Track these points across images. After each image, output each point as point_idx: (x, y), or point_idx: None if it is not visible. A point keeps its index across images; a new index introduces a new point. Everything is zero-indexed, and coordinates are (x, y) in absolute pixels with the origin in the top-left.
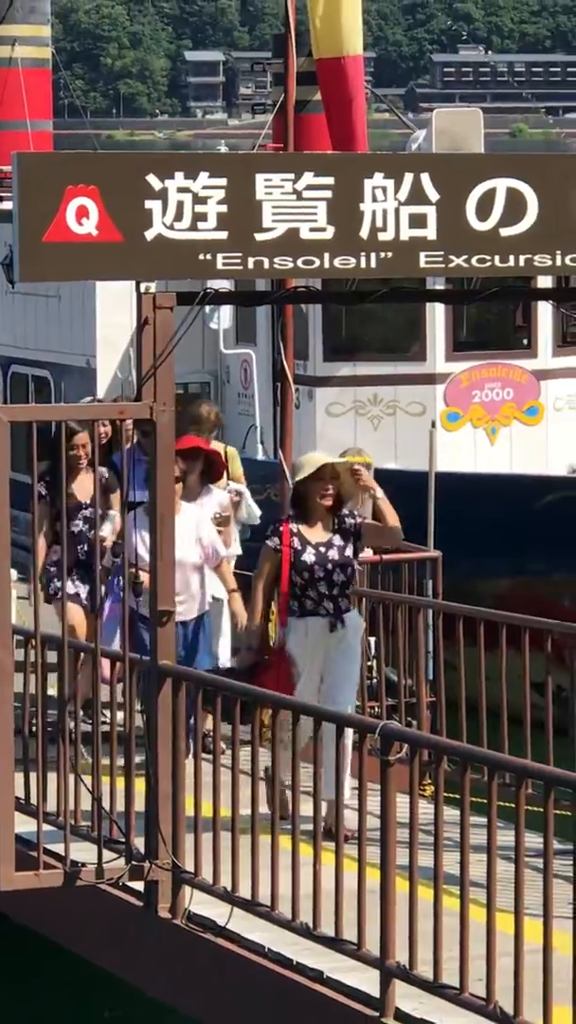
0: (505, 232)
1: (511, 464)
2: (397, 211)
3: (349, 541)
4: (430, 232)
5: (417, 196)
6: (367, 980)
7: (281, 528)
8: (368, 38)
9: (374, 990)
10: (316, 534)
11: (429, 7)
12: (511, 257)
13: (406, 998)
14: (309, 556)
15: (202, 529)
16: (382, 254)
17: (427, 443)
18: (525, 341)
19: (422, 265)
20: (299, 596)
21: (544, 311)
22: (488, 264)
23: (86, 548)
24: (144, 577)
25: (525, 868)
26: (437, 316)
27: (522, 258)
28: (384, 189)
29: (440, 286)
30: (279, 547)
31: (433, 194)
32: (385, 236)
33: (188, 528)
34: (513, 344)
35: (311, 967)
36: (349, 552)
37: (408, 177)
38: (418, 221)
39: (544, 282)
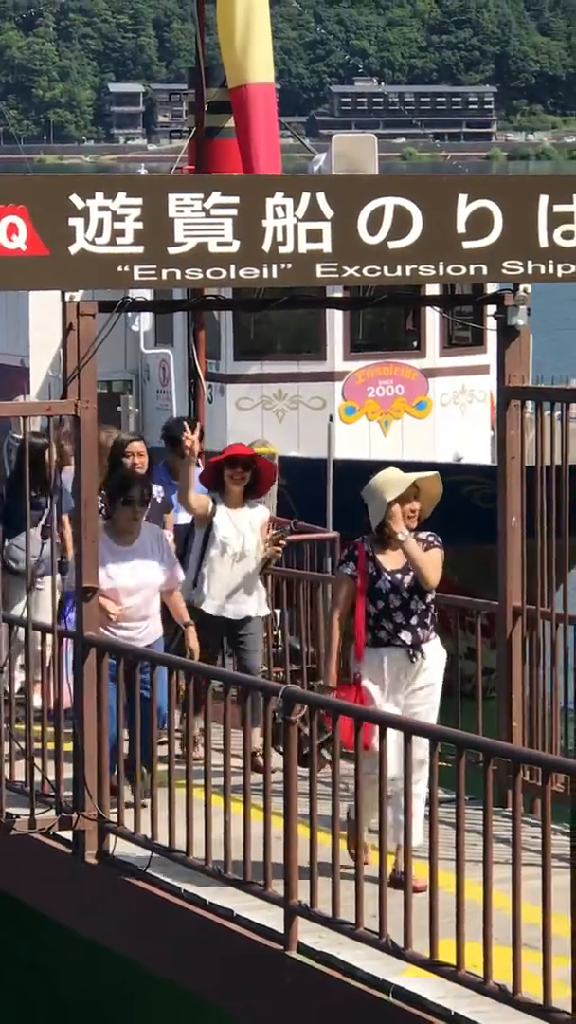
0: (393, 245)
1: (402, 452)
2: (296, 227)
3: None
4: (326, 245)
5: (313, 213)
6: (272, 917)
7: (356, 553)
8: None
9: (279, 926)
10: (392, 559)
11: (328, 43)
12: (399, 267)
13: (307, 933)
14: (384, 583)
15: (166, 551)
16: (283, 265)
17: (326, 434)
18: (414, 343)
19: (319, 275)
20: (374, 626)
21: (431, 316)
22: (378, 274)
23: None
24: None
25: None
26: (335, 320)
27: (408, 268)
28: (284, 207)
29: (338, 293)
30: (354, 573)
31: (328, 211)
32: (285, 249)
33: (152, 548)
34: (404, 345)
35: (222, 906)
36: None
37: (305, 196)
38: (314, 236)
39: (431, 289)
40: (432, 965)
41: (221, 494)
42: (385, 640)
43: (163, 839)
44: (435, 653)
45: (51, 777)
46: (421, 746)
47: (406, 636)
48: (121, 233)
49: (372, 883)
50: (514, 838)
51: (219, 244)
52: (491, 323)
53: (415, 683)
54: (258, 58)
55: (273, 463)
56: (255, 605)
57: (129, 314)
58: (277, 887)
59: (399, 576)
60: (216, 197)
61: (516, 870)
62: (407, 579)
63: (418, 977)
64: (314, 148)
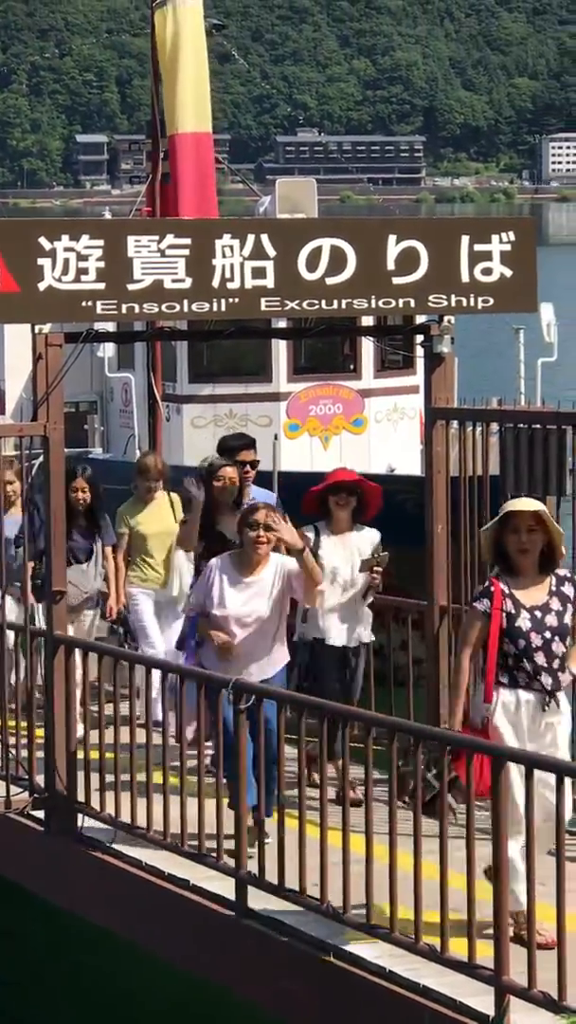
0: (330, 281)
1: (341, 465)
2: (242, 265)
3: (568, 606)
4: (269, 282)
5: (258, 253)
6: (225, 887)
7: (492, 589)
8: (224, 123)
9: (231, 894)
10: (531, 596)
11: (273, 97)
12: (335, 301)
13: (257, 900)
14: (524, 622)
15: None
16: (231, 300)
17: (272, 449)
18: (351, 366)
19: (263, 308)
20: (511, 667)
21: (366, 343)
22: (316, 307)
23: None
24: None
25: (352, 794)
26: (280, 347)
27: (344, 302)
28: (231, 247)
29: (281, 324)
30: (488, 611)
31: (271, 251)
32: (233, 285)
33: (267, 581)
34: (341, 369)
35: (180, 877)
36: (568, 619)
37: (251, 238)
38: (259, 273)
39: (365, 320)
40: (369, 928)
41: (327, 521)
42: (524, 683)
43: (126, 817)
44: (565, 702)
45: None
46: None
47: (546, 680)
48: (85, 271)
49: (315, 855)
50: (441, 813)
51: (173, 281)
52: (419, 350)
53: (548, 730)
54: (189, 108)
55: (379, 486)
56: (367, 631)
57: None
58: (229, 860)
59: (538, 614)
60: (170, 239)
61: (443, 843)
62: (549, 618)
63: (356, 939)
64: (261, 192)
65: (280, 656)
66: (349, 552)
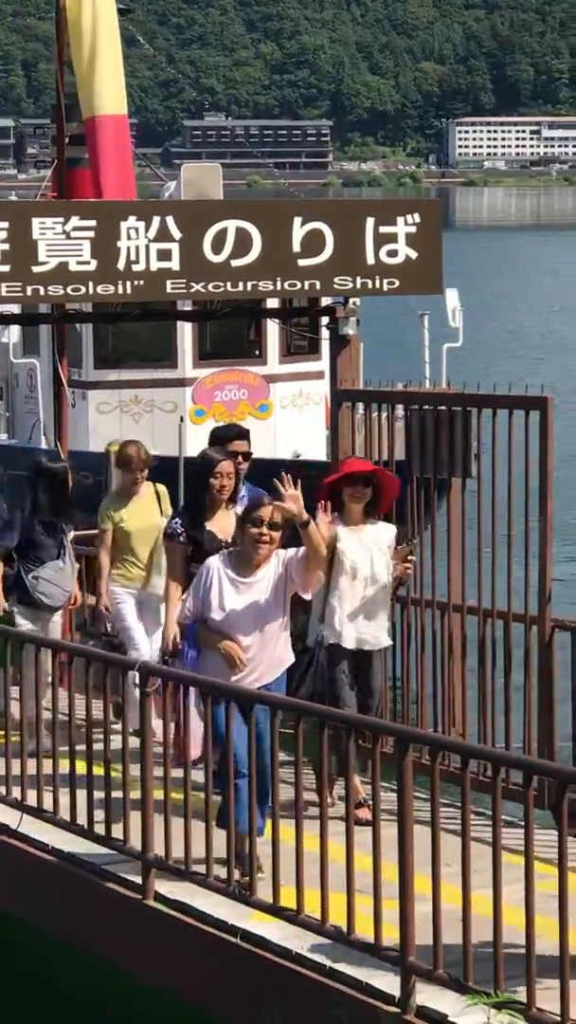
0: (235, 263)
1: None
2: (147, 247)
3: None
4: (175, 264)
5: (163, 235)
6: (132, 870)
7: None
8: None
9: (137, 878)
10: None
11: (180, 82)
12: (241, 283)
13: (163, 883)
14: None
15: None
16: (136, 282)
17: (178, 434)
18: (256, 351)
19: (168, 291)
20: None
21: (271, 327)
22: (222, 289)
23: None
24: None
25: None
26: (185, 331)
27: (249, 284)
28: (137, 229)
29: (187, 307)
30: None
31: (176, 233)
32: (138, 267)
33: (270, 580)
34: (247, 354)
35: (86, 860)
36: None
37: (156, 220)
38: (164, 255)
39: (271, 303)
40: (275, 910)
41: (340, 514)
42: None
43: (32, 801)
44: None
45: None
46: None
47: None
48: None
49: (221, 838)
50: (347, 795)
51: (78, 263)
52: (325, 332)
53: None
54: (108, 91)
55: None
56: (386, 634)
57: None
58: (135, 843)
59: None
60: (75, 221)
61: (349, 824)
62: None
63: (263, 921)
64: (167, 176)
65: (286, 657)
66: (366, 547)
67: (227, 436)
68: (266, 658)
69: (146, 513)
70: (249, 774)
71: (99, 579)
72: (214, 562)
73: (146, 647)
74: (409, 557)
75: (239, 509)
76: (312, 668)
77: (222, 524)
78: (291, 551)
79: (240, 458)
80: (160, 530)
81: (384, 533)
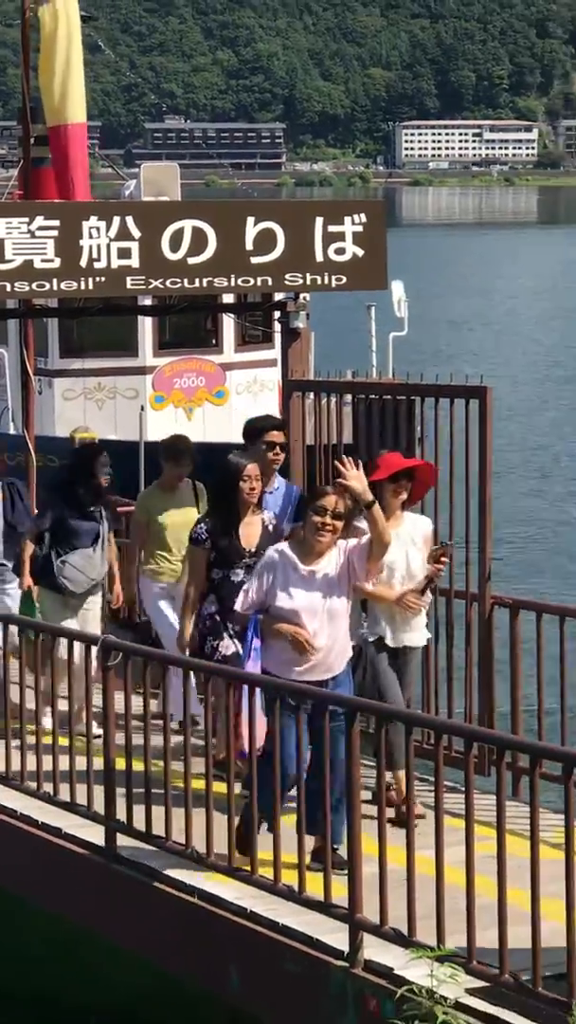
0: (192, 261)
1: (204, 434)
2: (108, 246)
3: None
4: (134, 261)
5: (123, 234)
6: (96, 834)
7: None
8: (95, 111)
9: (100, 841)
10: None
11: (141, 87)
12: (197, 280)
13: (127, 847)
14: None
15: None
16: (98, 279)
17: (139, 420)
18: (213, 341)
19: (128, 287)
20: None
21: (227, 319)
22: (179, 285)
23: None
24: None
25: (192, 739)
26: (146, 324)
27: (205, 280)
28: (98, 229)
29: (147, 302)
30: None
31: (136, 232)
32: (100, 265)
33: (334, 568)
34: (204, 343)
35: (52, 825)
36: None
37: (116, 220)
38: (124, 253)
39: (226, 297)
40: (230, 871)
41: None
42: None
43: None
44: None
45: None
46: None
47: None
48: None
49: (180, 802)
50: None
51: (43, 261)
52: (277, 326)
53: None
54: (79, 101)
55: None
56: (424, 631)
57: None
58: (99, 808)
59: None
60: (40, 220)
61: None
62: None
63: (219, 881)
64: (129, 176)
65: (349, 648)
66: (402, 543)
67: (264, 427)
68: (336, 647)
69: (184, 509)
70: (299, 772)
71: (130, 565)
72: (277, 551)
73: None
74: (442, 558)
75: (265, 516)
76: (359, 666)
77: (247, 531)
78: (352, 540)
79: (278, 448)
80: None
81: (420, 526)
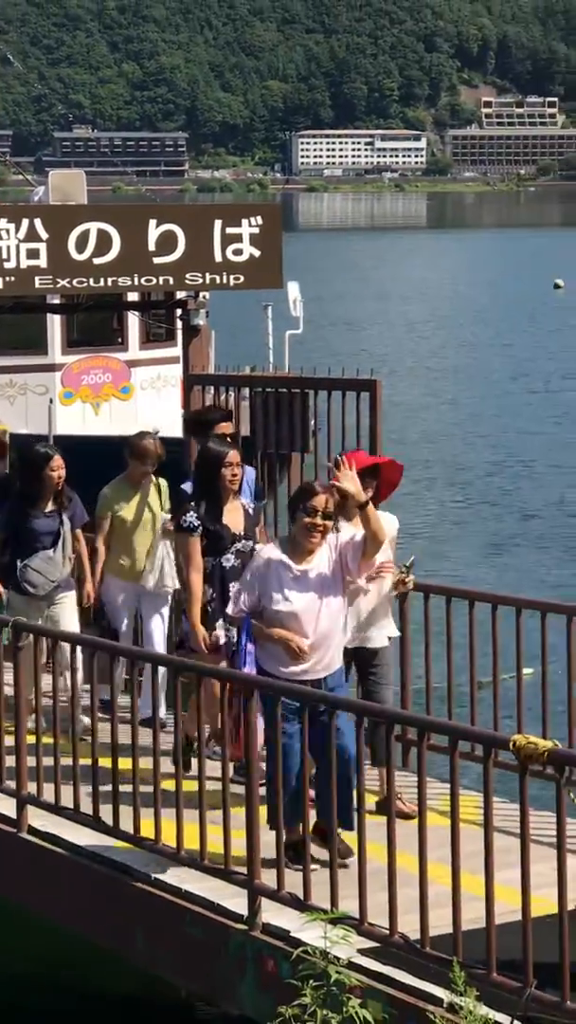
0: (97, 261)
1: (110, 428)
2: (17, 247)
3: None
4: (42, 262)
5: (32, 235)
6: (7, 806)
7: None
8: (6, 120)
9: (12, 813)
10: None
11: (50, 98)
12: (102, 279)
13: (36, 818)
14: None
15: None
16: (8, 278)
17: (48, 414)
18: (119, 339)
19: (37, 286)
20: None
21: (132, 317)
22: (86, 284)
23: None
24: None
25: (119, 723)
26: (55, 322)
27: (110, 280)
28: (7, 231)
29: (55, 300)
30: None
31: (44, 234)
32: (9, 265)
33: (326, 566)
34: (111, 341)
35: None
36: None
37: (25, 222)
38: (33, 254)
39: (131, 296)
40: (136, 840)
41: (340, 510)
42: None
43: None
44: None
45: None
46: None
47: None
48: None
49: (88, 776)
50: (200, 735)
51: None
52: (179, 323)
53: None
54: None
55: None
56: (391, 627)
57: None
58: (10, 781)
59: None
60: None
61: (201, 759)
62: None
63: (126, 850)
64: (38, 183)
65: (343, 644)
66: None
67: (213, 420)
68: (333, 645)
69: (147, 506)
70: (301, 776)
71: (96, 562)
72: (266, 553)
73: (129, 632)
74: (405, 582)
75: (244, 501)
76: None
77: (231, 517)
78: (343, 536)
79: (229, 440)
80: (159, 523)
81: (387, 525)
